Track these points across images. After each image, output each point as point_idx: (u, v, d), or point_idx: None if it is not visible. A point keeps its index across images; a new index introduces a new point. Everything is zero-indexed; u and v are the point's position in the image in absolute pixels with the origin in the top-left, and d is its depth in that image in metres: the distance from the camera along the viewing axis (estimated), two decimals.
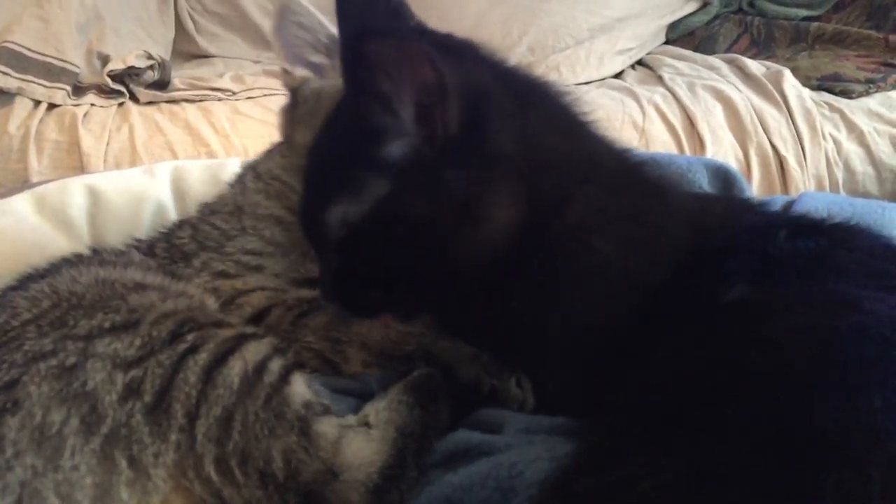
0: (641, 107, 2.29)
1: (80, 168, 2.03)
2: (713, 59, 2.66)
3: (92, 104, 2.19)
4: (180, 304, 0.73)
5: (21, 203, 1.04)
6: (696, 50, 2.88)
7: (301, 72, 1.03)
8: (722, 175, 1.15)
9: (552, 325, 0.75)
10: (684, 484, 0.49)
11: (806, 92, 2.33)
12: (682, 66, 2.61)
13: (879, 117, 2.28)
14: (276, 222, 0.97)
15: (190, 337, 0.68)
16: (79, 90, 2.26)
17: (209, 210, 1.02)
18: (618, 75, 2.75)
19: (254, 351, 0.69)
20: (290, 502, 0.64)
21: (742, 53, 2.76)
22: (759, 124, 2.23)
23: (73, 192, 1.07)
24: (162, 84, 2.33)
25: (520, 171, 0.74)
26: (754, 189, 2.06)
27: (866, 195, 2.20)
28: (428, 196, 0.73)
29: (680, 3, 2.97)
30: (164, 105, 2.23)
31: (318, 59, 1.03)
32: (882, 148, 2.22)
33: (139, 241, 1.00)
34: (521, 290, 0.76)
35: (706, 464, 0.49)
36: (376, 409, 0.72)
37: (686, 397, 0.57)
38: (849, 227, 0.74)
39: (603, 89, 2.50)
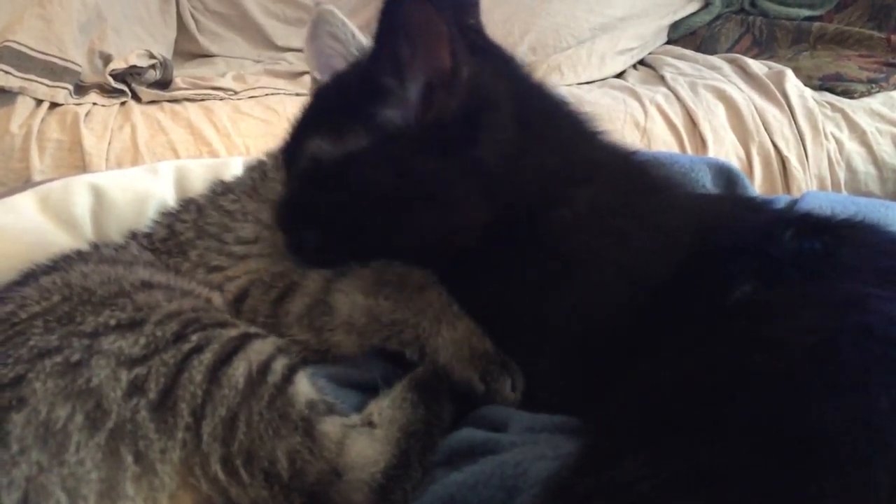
0: (643, 106, 2.29)
1: (82, 167, 2.04)
2: (715, 59, 2.66)
3: (94, 103, 2.19)
4: (185, 305, 0.73)
5: (25, 201, 1.04)
6: (697, 50, 2.88)
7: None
8: (725, 174, 1.15)
9: (528, 314, 0.77)
10: (685, 484, 0.49)
11: (808, 92, 2.33)
12: (684, 66, 2.61)
13: (881, 117, 2.28)
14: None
15: (194, 337, 0.68)
16: (81, 89, 2.26)
17: (223, 188, 1.03)
18: (619, 75, 2.75)
19: (258, 351, 0.69)
20: (295, 502, 0.64)
21: (744, 53, 2.76)
22: (760, 124, 2.23)
23: (77, 191, 1.07)
24: (164, 83, 2.34)
25: (498, 181, 0.77)
26: (756, 189, 2.05)
27: (868, 195, 2.19)
28: (397, 168, 0.77)
29: (682, 3, 2.97)
30: (165, 104, 2.24)
31: None
32: (884, 148, 2.22)
33: (137, 232, 1.00)
34: (489, 279, 0.79)
35: (708, 464, 0.49)
36: (380, 408, 0.72)
37: (688, 397, 0.56)
38: (854, 224, 0.73)
39: (605, 89, 2.50)
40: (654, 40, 2.92)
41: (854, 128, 2.25)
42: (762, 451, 0.48)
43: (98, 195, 1.07)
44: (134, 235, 0.98)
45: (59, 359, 0.63)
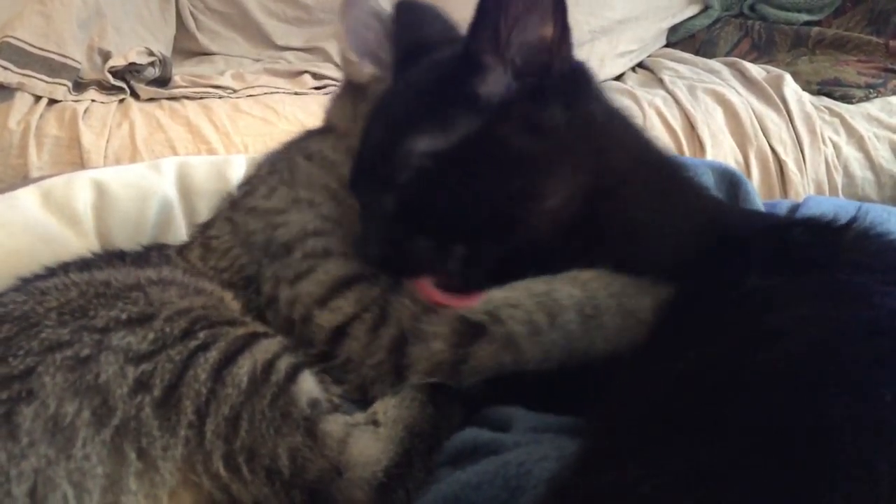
0: (642, 109, 2.29)
1: (80, 164, 2.03)
2: (714, 63, 2.67)
3: (92, 100, 2.19)
4: (196, 302, 0.74)
5: (27, 197, 1.04)
6: (696, 53, 2.90)
7: (368, 67, 0.98)
8: (728, 178, 1.15)
9: None
10: (687, 483, 0.49)
11: (806, 96, 2.34)
12: (683, 69, 2.62)
13: (879, 122, 2.29)
14: (332, 196, 0.92)
15: (202, 334, 0.69)
16: (79, 86, 2.26)
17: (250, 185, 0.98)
18: (618, 77, 2.76)
19: (264, 350, 0.70)
20: (296, 499, 0.64)
21: (742, 57, 2.77)
22: (759, 128, 2.24)
23: (80, 187, 1.06)
24: (163, 81, 2.33)
25: (602, 141, 0.78)
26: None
27: (865, 200, 2.20)
28: (530, 129, 0.75)
29: (681, 7, 2.98)
30: (164, 102, 2.24)
31: (385, 54, 0.96)
32: (882, 153, 2.24)
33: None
34: (575, 256, 0.77)
35: (710, 462, 0.49)
36: (386, 407, 0.72)
37: (689, 394, 0.56)
38: (861, 226, 0.74)
39: None
40: (653, 43, 2.93)
41: (852, 133, 2.26)
42: (764, 448, 0.48)
43: (100, 191, 1.07)
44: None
45: (69, 353, 0.64)
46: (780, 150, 2.20)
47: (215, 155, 2.07)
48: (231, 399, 0.65)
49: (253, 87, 2.40)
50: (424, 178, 0.75)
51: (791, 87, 2.36)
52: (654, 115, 2.28)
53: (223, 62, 2.82)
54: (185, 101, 2.25)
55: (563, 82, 0.75)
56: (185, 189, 1.12)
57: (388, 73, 0.93)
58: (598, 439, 0.61)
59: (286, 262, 0.85)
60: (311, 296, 0.80)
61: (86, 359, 0.64)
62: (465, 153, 0.74)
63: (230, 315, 0.75)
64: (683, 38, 3.02)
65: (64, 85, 2.18)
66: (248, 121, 2.20)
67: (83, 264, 0.88)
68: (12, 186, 1.17)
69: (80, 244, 1.00)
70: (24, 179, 1.95)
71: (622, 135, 0.83)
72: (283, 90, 2.40)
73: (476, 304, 0.74)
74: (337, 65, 2.41)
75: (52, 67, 2.19)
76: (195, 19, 2.91)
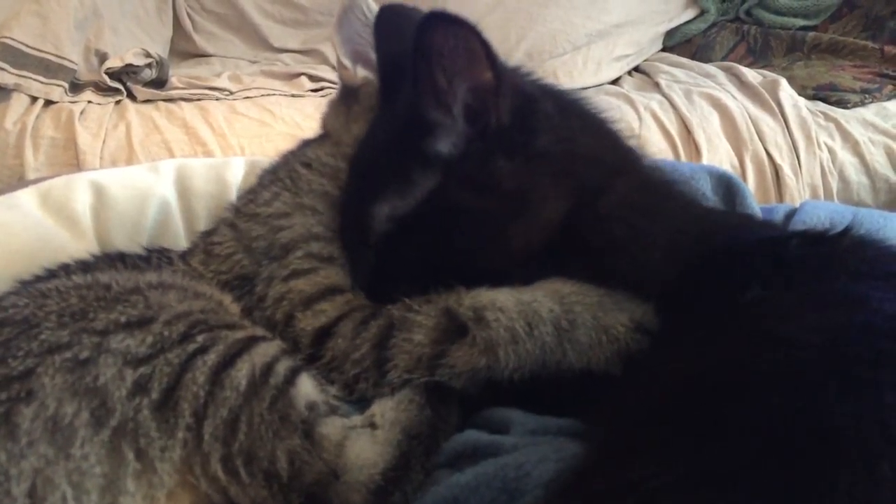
0: (638, 113, 2.30)
1: (76, 165, 2.03)
2: (710, 67, 2.68)
3: (89, 101, 2.19)
4: (195, 306, 0.74)
5: (26, 198, 1.04)
6: (692, 57, 2.90)
7: (361, 71, 1.04)
8: (725, 182, 1.15)
9: None
10: (691, 483, 0.49)
11: (802, 101, 2.35)
12: (679, 74, 2.63)
13: (874, 127, 2.30)
14: (333, 205, 0.94)
15: (200, 338, 0.69)
16: (76, 87, 2.26)
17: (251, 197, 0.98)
18: (615, 81, 2.77)
19: (262, 353, 0.70)
20: (293, 502, 0.64)
21: (738, 62, 2.78)
22: (754, 132, 2.24)
23: (78, 188, 1.06)
24: (159, 82, 2.33)
25: (564, 168, 0.80)
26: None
27: (860, 205, 2.21)
28: (478, 188, 0.78)
29: (677, 11, 2.98)
30: (161, 103, 2.24)
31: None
32: (877, 158, 2.24)
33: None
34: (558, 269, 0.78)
35: (713, 464, 0.49)
36: (383, 409, 0.72)
37: (694, 397, 0.57)
38: (857, 233, 0.74)
39: (600, 95, 2.50)
40: (649, 47, 2.94)
41: (847, 137, 2.26)
42: (770, 449, 0.48)
43: (99, 193, 1.07)
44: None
45: (68, 355, 0.64)
46: (775, 154, 2.20)
47: (212, 156, 2.07)
48: (229, 402, 0.65)
49: (249, 88, 2.40)
50: (391, 240, 0.80)
51: (787, 92, 2.36)
52: (650, 119, 2.29)
53: (220, 64, 2.82)
54: (182, 103, 2.25)
55: (503, 132, 0.78)
56: (184, 191, 1.12)
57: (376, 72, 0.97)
58: (600, 441, 0.61)
59: (285, 262, 0.85)
60: (301, 294, 0.82)
61: (85, 361, 0.64)
62: (424, 215, 0.79)
63: (229, 319, 0.76)
64: (680, 43, 3.03)
65: (60, 86, 2.18)
66: (245, 123, 2.20)
67: (84, 266, 0.88)
68: (9, 187, 1.17)
69: (79, 245, 0.99)
70: (21, 180, 1.95)
71: (592, 151, 0.83)
72: (279, 92, 2.41)
73: (465, 298, 0.76)
74: (333, 67, 2.42)
75: (48, 68, 2.19)
76: (192, 21, 2.91)
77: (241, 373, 0.67)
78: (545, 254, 0.78)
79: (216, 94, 2.33)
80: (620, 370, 0.72)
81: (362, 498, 0.65)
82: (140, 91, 2.25)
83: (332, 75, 2.50)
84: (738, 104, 2.33)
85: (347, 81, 1.06)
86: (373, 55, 0.98)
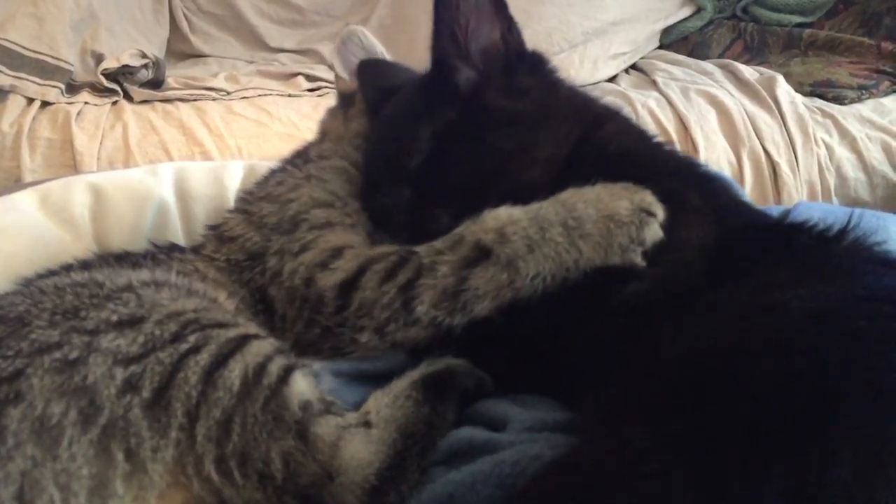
0: (635, 111, 2.30)
1: (73, 166, 2.03)
2: (707, 65, 2.68)
3: (86, 102, 2.19)
4: (188, 305, 0.73)
5: (25, 200, 1.04)
6: (689, 55, 2.90)
7: (356, 82, 1.16)
8: None
9: None
10: (693, 453, 0.48)
11: (798, 98, 2.35)
12: (676, 71, 2.62)
13: (871, 124, 2.29)
14: (342, 173, 1.02)
15: (192, 338, 0.68)
16: (72, 88, 2.26)
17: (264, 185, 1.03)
18: (612, 79, 2.76)
19: (255, 352, 0.69)
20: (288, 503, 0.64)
21: (735, 59, 2.77)
22: (752, 129, 2.24)
23: (77, 191, 1.06)
24: (156, 83, 2.33)
25: (571, 100, 0.95)
26: (747, 194, 2.06)
27: (858, 201, 2.21)
28: (513, 94, 0.91)
29: (674, 8, 2.98)
30: (157, 104, 2.23)
31: None
32: (874, 154, 2.24)
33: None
34: None
35: (714, 431, 0.49)
36: (378, 406, 0.72)
37: (693, 371, 0.56)
38: (854, 235, 0.74)
39: (597, 93, 2.48)
40: (646, 45, 2.93)
41: (844, 134, 2.26)
42: (769, 413, 0.48)
43: (98, 195, 1.07)
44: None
45: (58, 355, 0.63)
46: (772, 151, 2.20)
47: (210, 157, 2.07)
48: (223, 402, 0.64)
49: (246, 89, 2.40)
50: (435, 154, 0.89)
51: (784, 89, 2.36)
52: (647, 116, 2.28)
53: (216, 64, 2.81)
54: (179, 104, 2.25)
55: (521, 57, 0.93)
56: (182, 194, 1.12)
57: None
58: (597, 405, 0.62)
59: (294, 236, 0.88)
60: (313, 261, 0.84)
61: (74, 361, 0.63)
62: (465, 121, 0.89)
63: (222, 317, 0.74)
64: (676, 40, 3.03)
65: (57, 87, 2.18)
66: (242, 123, 2.20)
67: (85, 265, 0.87)
68: (6, 189, 1.17)
69: (77, 247, 0.99)
70: (17, 182, 1.95)
71: (585, 98, 1.00)
72: (276, 92, 2.41)
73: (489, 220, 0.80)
74: (330, 66, 2.42)
75: (44, 69, 2.19)
76: (188, 21, 2.90)
77: (234, 373, 0.66)
78: (558, 183, 0.83)
79: (213, 94, 2.33)
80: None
81: (357, 499, 0.64)
82: (137, 92, 2.25)
83: (328, 75, 2.50)
84: (736, 101, 2.32)
85: (345, 91, 1.20)
86: None
